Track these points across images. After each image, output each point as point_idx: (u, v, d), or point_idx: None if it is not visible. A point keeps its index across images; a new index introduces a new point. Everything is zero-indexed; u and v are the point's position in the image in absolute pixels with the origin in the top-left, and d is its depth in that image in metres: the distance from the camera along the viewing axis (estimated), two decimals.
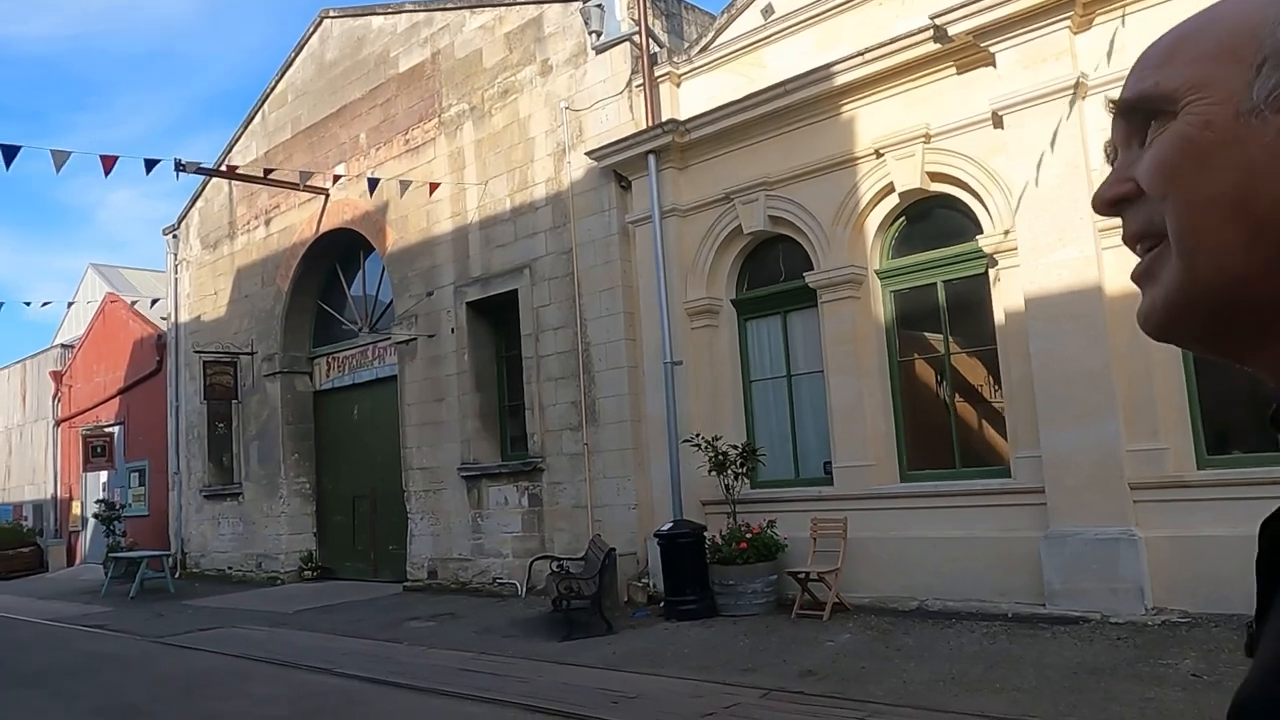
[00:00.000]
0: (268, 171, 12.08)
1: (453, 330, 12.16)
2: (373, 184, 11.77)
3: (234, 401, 15.93)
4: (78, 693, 7.54)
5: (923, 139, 8.02)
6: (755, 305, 9.62)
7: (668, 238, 9.71)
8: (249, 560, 15.68)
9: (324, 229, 14.52)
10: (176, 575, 15.59)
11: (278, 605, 12.32)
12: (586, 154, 10.34)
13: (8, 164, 8.53)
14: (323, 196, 14.46)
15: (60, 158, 8.84)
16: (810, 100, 8.68)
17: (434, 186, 11.75)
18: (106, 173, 9.59)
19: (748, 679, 6.28)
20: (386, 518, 13.97)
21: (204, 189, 17.53)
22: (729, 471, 8.73)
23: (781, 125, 8.94)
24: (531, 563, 10.86)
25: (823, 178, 8.70)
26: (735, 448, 8.80)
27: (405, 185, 11.66)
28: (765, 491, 8.95)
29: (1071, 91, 7.03)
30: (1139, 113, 0.60)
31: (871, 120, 8.41)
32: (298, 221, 15.06)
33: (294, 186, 13.36)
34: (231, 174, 12.06)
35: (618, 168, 10.20)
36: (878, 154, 8.33)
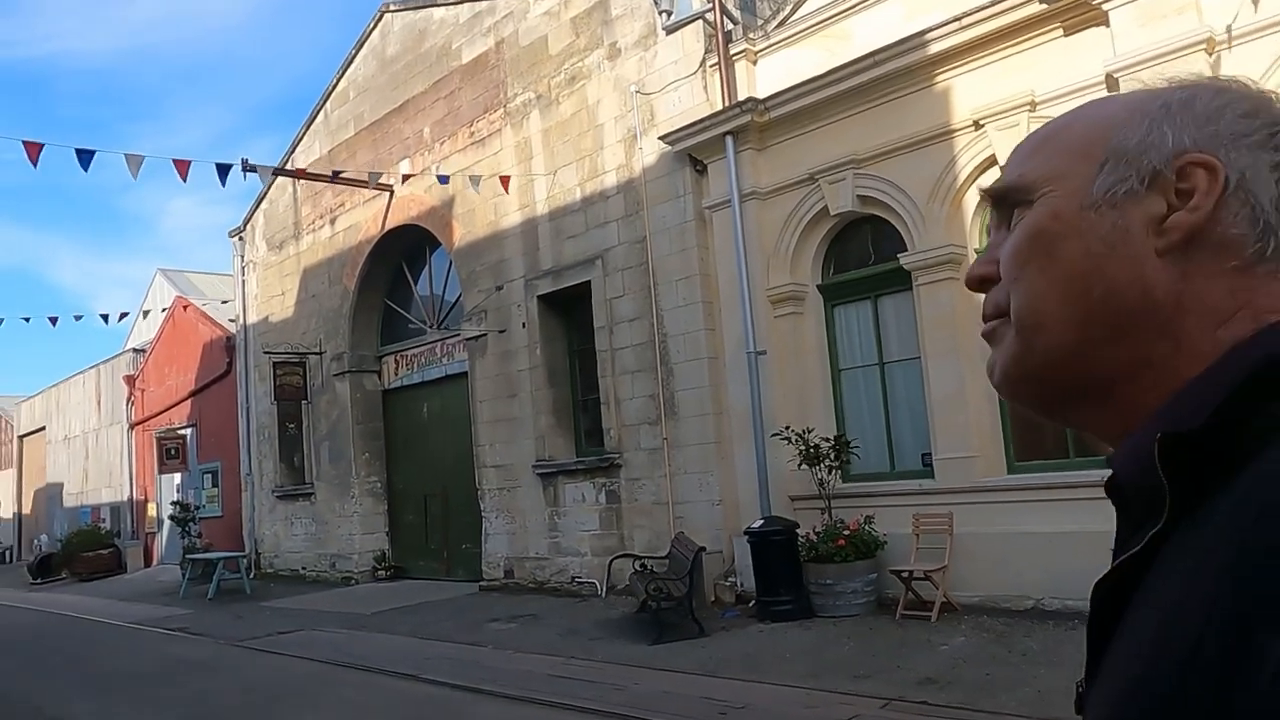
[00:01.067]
0: (336, 173, 11.89)
1: (524, 325, 11.90)
2: (443, 180, 11.55)
3: (304, 402, 15.92)
4: (165, 699, 7.42)
5: (1027, 107, 7.50)
6: (843, 290, 9.17)
7: (748, 222, 9.30)
8: (322, 560, 15.66)
9: (389, 226, 14.38)
10: (252, 576, 15.63)
11: (355, 606, 12.22)
12: (659, 139, 9.98)
13: (85, 167, 8.48)
14: (387, 193, 14.32)
15: (135, 163, 8.76)
16: (901, 71, 8.21)
17: (505, 180, 11.48)
18: (184, 178, 9.53)
19: (863, 687, 5.88)
20: (459, 516, 13.80)
21: (268, 191, 17.55)
22: (822, 465, 8.32)
23: (870, 99, 8.47)
24: (611, 561, 10.56)
25: (916, 153, 8.22)
26: (827, 440, 8.37)
27: (476, 181, 11.40)
28: (860, 486, 8.51)
29: (1201, 48, 6.46)
30: (1006, 201, 0.67)
31: (969, 89, 7.91)
32: (363, 219, 14.95)
33: (363, 184, 13.20)
34: (301, 174, 11.94)
35: (692, 151, 9.82)
36: (977, 125, 7.83)
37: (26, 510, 30.63)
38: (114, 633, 12.17)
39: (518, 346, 12.00)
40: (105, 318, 16.57)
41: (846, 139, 8.69)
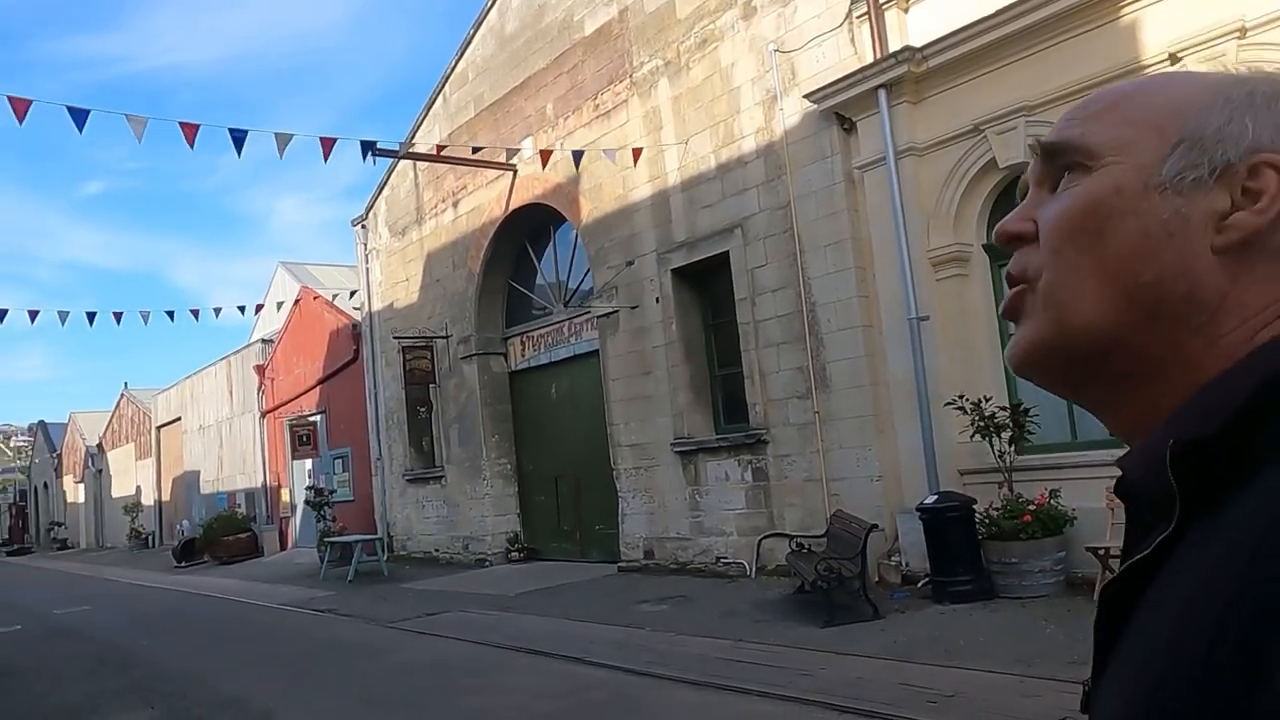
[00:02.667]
0: (476, 149, 11.70)
1: (657, 300, 11.60)
2: (577, 156, 11.28)
3: (432, 385, 16.02)
4: (336, 681, 7.41)
5: (1235, 34, 6.76)
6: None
7: (904, 180, 8.75)
8: (455, 542, 15.76)
9: (513, 206, 14.26)
10: (386, 559, 15.85)
11: (494, 588, 12.19)
12: (804, 97, 9.49)
13: (239, 150, 8.57)
14: (510, 173, 14.20)
15: (283, 140, 8.80)
16: (1081, 5, 7.52)
17: (636, 153, 11.17)
18: (326, 157, 9.58)
19: (1081, 673, 5.34)
20: (591, 497, 13.65)
21: (389, 178, 17.70)
22: (1000, 436, 7.75)
23: (1044, 39, 7.81)
24: (760, 541, 10.21)
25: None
26: (1004, 409, 7.80)
27: (611, 154, 11.13)
28: (1042, 457, 7.91)
29: None
30: (1059, 158, 0.63)
31: (1162, 19, 7.18)
32: (485, 201, 14.88)
33: (495, 165, 13.08)
34: (438, 155, 11.72)
35: (840, 109, 9.30)
36: (1173, 58, 7.10)
37: (166, 497, 32.11)
38: (267, 614, 12.44)
39: (651, 322, 11.71)
40: (217, 311, 16.80)
41: (1016, 84, 8.05)
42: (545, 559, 14.47)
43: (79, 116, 7.86)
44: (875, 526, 7.75)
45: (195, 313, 15.79)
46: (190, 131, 8.24)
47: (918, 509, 7.99)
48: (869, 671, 6.03)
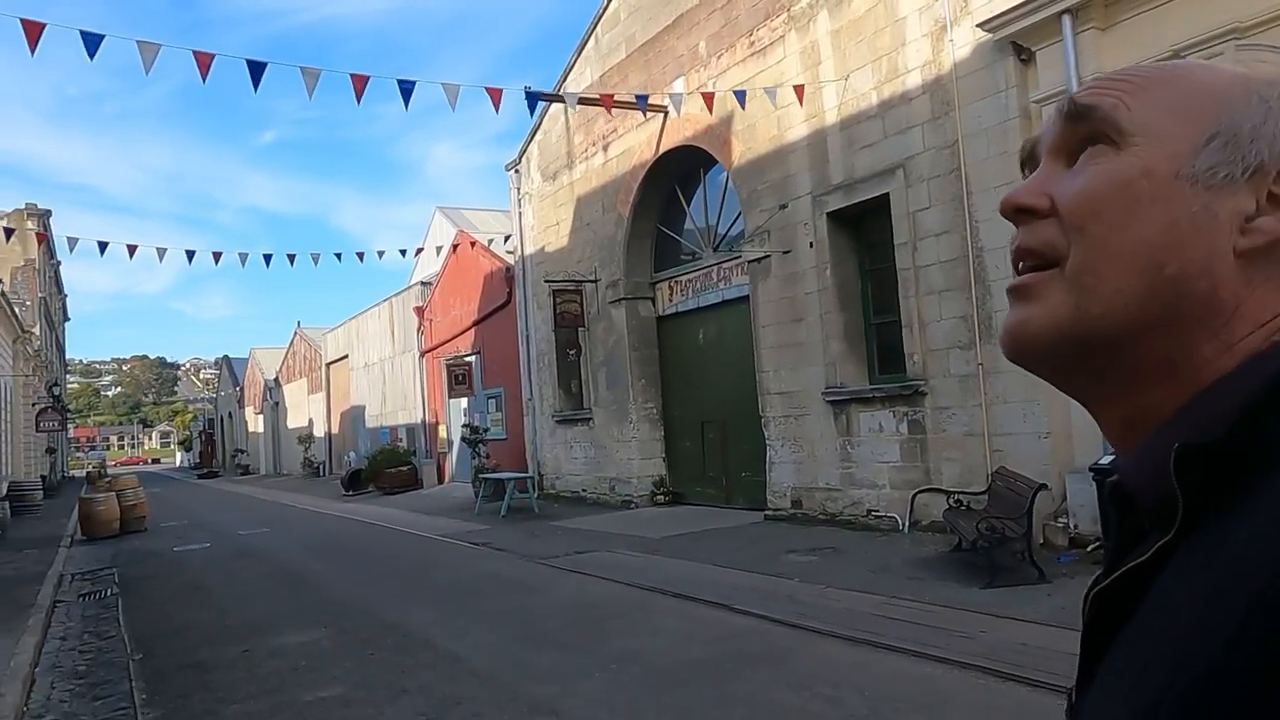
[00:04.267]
0: (641, 98, 11.51)
1: (811, 244, 11.24)
2: (740, 97, 10.96)
3: (581, 329, 16.22)
4: (494, 614, 7.67)
5: None
6: None
7: None
8: (601, 483, 16.05)
9: (663, 149, 14.10)
10: (536, 496, 16.32)
11: (641, 530, 12.34)
12: (978, 25, 8.85)
13: (406, 102, 8.76)
14: (661, 115, 14.02)
15: (452, 91, 8.95)
16: None
17: (799, 90, 10.76)
18: (496, 108, 9.74)
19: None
20: (738, 444, 13.56)
21: (541, 121, 17.83)
22: None
23: None
24: (914, 495, 9.86)
25: None
26: None
27: (772, 94, 10.77)
28: None
29: None
30: (1084, 125, 0.60)
31: None
32: (635, 144, 14.77)
33: (654, 108, 12.92)
34: (607, 100, 11.56)
35: (1017, 38, 8.62)
36: None
37: (335, 430, 34.21)
38: (426, 544, 13.05)
39: (804, 268, 11.38)
40: (381, 254, 17.64)
41: (1223, 5, 7.20)
42: (690, 504, 14.54)
43: (256, 70, 8.19)
44: (1044, 486, 7.30)
45: (360, 255, 16.72)
46: (360, 84, 8.47)
47: (1092, 469, 7.47)
48: (1034, 638, 5.71)
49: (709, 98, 11.00)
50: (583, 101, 12.50)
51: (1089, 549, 7.93)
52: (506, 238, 18.94)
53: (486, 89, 9.69)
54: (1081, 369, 0.59)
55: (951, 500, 8.79)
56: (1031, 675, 4.97)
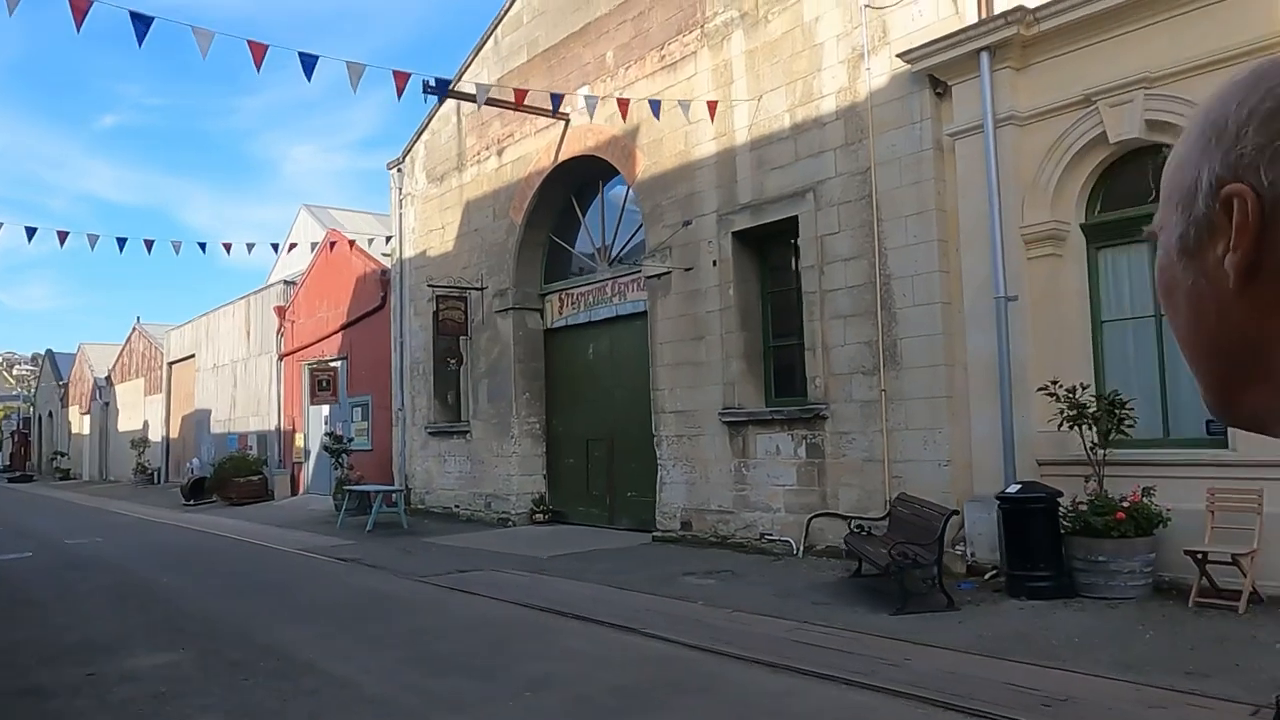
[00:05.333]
0: (555, 97, 11.04)
1: (715, 263, 11.12)
2: (654, 107, 10.72)
3: (463, 338, 15.57)
4: (380, 637, 7.03)
5: None
6: (1113, 231, 8.04)
7: (1002, 151, 8.25)
8: (477, 500, 15.40)
9: (563, 157, 13.75)
10: (404, 511, 15.48)
11: (523, 549, 11.83)
12: (898, 55, 8.96)
13: (309, 76, 8.06)
14: (562, 123, 13.67)
15: (355, 71, 8.31)
16: None
17: (712, 106, 10.65)
18: (399, 94, 9.14)
19: (1207, 687, 4.97)
20: (625, 463, 13.26)
21: (429, 122, 17.15)
22: (1092, 427, 7.31)
23: (1176, 5, 7.27)
24: (810, 519, 9.83)
25: (1234, 69, 6.99)
26: (1101, 398, 7.34)
27: (685, 106, 10.60)
28: (1132, 453, 7.45)
29: None
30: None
31: None
32: (533, 150, 14.36)
33: (553, 115, 12.53)
34: (520, 102, 11.01)
35: (935, 71, 8.78)
36: None
37: (174, 434, 31.81)
38: (288, 559, 12.09)
39: (706, 286, 11.24)
40: (228, 247, 16.01)
41: (1138, 53, 7.52)
42: (571, 523, 14.11)
43: (141, 24, 7.34)
44: (955, 512, 7.32)
45: (203, 245, 15.09)
46: (259, 53, 7.72)
47: (999, 497, 7.56)
48: (962, 666, 5.63)
49: (624, 104, 10.74)
50: (491, 103, 12.00)
51: (986, 577, 8.02)
52: (388, 238, 18.05)
53: (394, 72, 9.11)
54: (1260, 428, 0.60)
55: (853, 525, 8.76)
56: (970, 705, 4.85)
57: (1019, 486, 7.44)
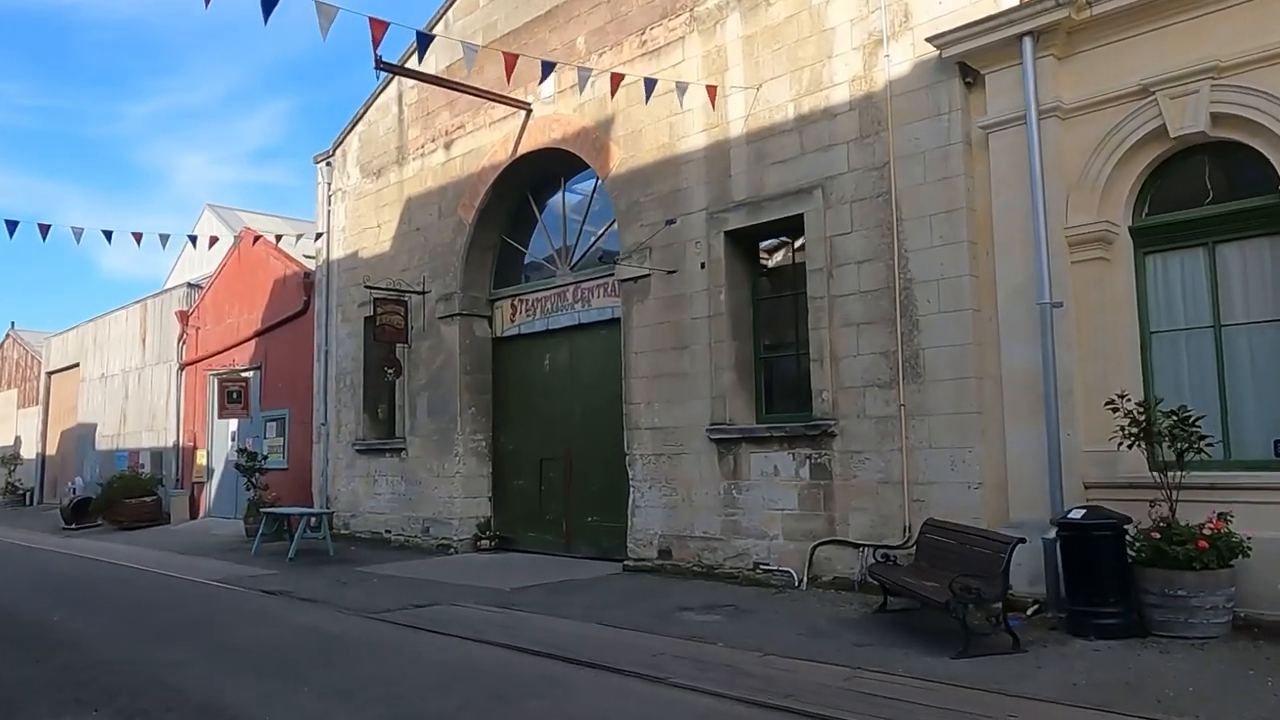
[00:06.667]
0: (547, 65, 9.69)
1: (703, 265, 10.16)
2: (649, 85, 9.69)
3: (402, 346, 14.18)
4: (346, 691, 5.72)
5: None
6: (1164, 235, 7.43)
7: (1045, 146, 7.56)
8: (412, 524, 13.97)
9: (523, 150, 12.62)
10: (329, 537, 13.90)
11: (476, 579, 10.56)
12: (927, 40, 8.21)
13: (266, 18, 6.75)
14: (524, 113, 12.57)
15: (328, 15, 7.03)
16: None
17: (712, 91, 9.71)
18: (376, 44, 8.00)
19: None
20: (585, 484, 12.13)
21: (366, 111, 15.78)
22: (1163, 447, 6.60)
23: None
24: (814, 547, 8.91)
25: None
26: (1171, 414, 6.63)
27: (682, 89, 9.64)
28: (1199, 476, 6.74)
29: None
30: None
31: None
32: (487, 143, 13.18)
33: (521, 104, 11.38)
34: (511, 63, 9.55)
35: (968, 58, 8.06)
36: None
37: (52, 451, 28.97)
38: (204, 592, 10.49)
39: (692, 290, 10.27)
40: (109, 235, 13.91)
41: (1204, 40, 6.93)
42: (520, 550, 12.86)
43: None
44: (1021, 540, 6.47)
45: (44, 229, 13.07)
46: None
47: (1059, 523, 6.76)
48: None
49: (616, 79, 9.69)
50: (450, 86, 10.79)
51: (1029, 612, 7.21)
52: (318, 236, 16.47)
53: (370, 20, 7.87)
54: None
55: (877, 554, 7.85)
56: None
57: (1083, 511, 6.66)
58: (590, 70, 10.26)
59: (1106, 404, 6.80)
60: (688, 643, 6.97)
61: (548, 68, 9.43)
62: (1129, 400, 6.73)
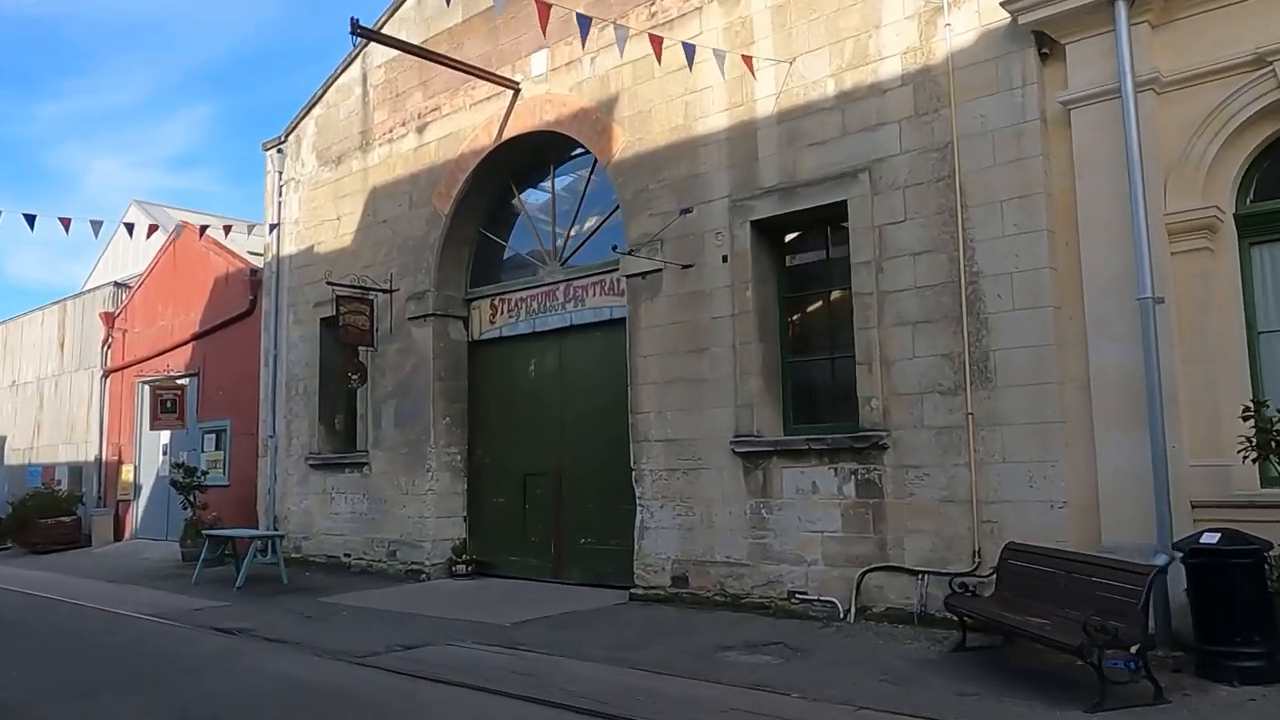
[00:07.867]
0: (584, 20, 8.37)
1: (725, 259, 9.13)
2: (689, 51, 8.52)
3: (367, 350, 12.81)
4: None
5: None
6: (1274, 224, 6.65)
7: (1142, 122, 6.72)
8: (375, 546, 12.59)
9: (509, 134, 11.45)
10: (280, 561, 12.41)
11: (463, 611, 9.30)
12: (1002, 4, 7.33)
13: None
14: (511, 92, 11.40)
15: None
16: None
17: (749, 60, 8.66)
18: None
19: None
20: (578, 502, 10.96)
21: (324, 94, 14.41)
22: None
23: None
24: (863, 574, 7.91)
25: None
26: None
27: (721, 57, 8.58)
28: None
29: None
30: None
31: None
32: (467, 126, 11.97)
33: (508, 84, 10.17)
34: (545, 12, 8.16)
35: (1046, 26, 7.21)
36: None
37: None
38: (146, 630, 9.00)
39: (713, 287, 9.22)
40: (31, 219, 12.34)
41: None
42: (501, 575, 11.59)
43: None
44: (1162, 570, 5.54)
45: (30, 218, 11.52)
46: None
47: (1188, 549, 5.85)
48: None
49: (656, 42, 8.57)
50: (438, 59, 9.53)
51: (1133, 649, 6.28)
52: (273, 227, 14.95)
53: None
54: None
55: (954, 585, 6.86)
56: None
57: (1218, 535, 5.77)
58: (628, 29, 9.11)
59: (1243, 414, 5.92)
60: (753, 693, 5.88)
61: (585, 22, 8.24)
62: (1269, 407, 5.88)
